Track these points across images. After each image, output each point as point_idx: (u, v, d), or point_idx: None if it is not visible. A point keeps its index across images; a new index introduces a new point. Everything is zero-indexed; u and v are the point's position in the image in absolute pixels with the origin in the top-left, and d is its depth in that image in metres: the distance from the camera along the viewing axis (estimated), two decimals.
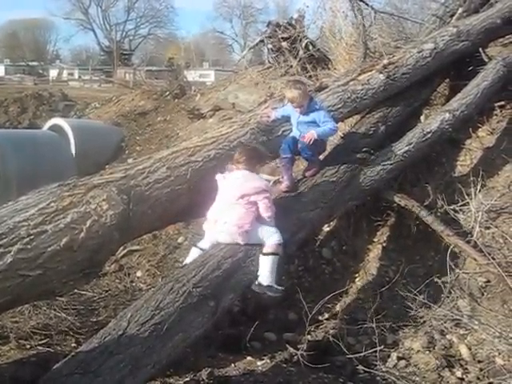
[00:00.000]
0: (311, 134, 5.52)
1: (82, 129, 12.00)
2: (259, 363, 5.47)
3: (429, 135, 6.96)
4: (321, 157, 6.18)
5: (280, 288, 4.85)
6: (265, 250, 4.77)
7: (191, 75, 25.05)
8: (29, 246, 3.94)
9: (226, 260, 4.75)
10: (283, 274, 6.95)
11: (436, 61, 7.63)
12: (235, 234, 4.73)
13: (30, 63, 60.85)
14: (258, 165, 5.06)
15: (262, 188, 4.79)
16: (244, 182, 4.78)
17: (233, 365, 5.36)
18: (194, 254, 4.93)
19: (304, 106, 5.61)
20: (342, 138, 6.81)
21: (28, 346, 5.00)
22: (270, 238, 4.78)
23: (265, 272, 4.74)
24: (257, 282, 4.77)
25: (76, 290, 5.95)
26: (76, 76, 55.16)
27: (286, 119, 5.90)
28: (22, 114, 16.63)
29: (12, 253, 3.84)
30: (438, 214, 6.89)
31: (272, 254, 4.75)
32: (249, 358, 5.54)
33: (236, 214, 4.70)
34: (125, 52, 69.35)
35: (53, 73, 56.61)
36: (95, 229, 4.30)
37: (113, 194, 4.53)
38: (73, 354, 4.02)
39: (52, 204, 4.24)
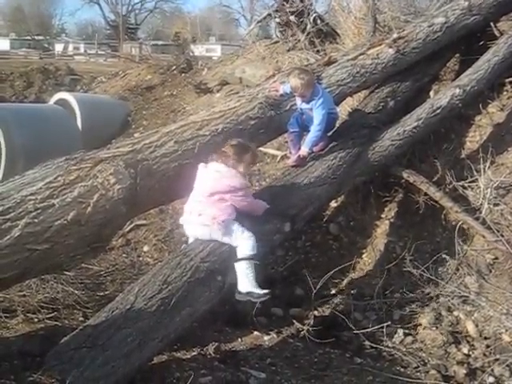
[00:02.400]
0: (303, 153, 5.66)
1: (88, 103, 11.94)
2: (266, 338, 5.48)
3: (438, 111, 6.86)
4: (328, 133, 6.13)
5: (263, 292, 4.64)
6: (239, 255, 4.57)
7: (197, 50, 24.88)
8: (36, 220, 3.94)
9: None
10: (283, 255, 7.00)
11: (446, 35, 7.50)
12: (212, 226, 4.53)
13: (36, 37, 60.45)
14: (245, 163, 4.76)
15: (235, 187, 4.58)
16: (219, 178, 4.60)
17: (239, 339, 5.38)
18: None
19: (306, 96, 5.61)
20: (350, 113, 6.75)
21: (35, 320, 5.00)
22: (244, 243, 4.57)
23: (242, 278, 4.57)
24: (237, 292, 4.60)
25: (83, 265, 5.94)
26: (82, 50, 54.75)
27: (294, 95, 5.84)
28: (28, 88, 16.56)
29: (19, 227, 3.85)
30: (447, 190, 6.83)
31: (245, 258, 4.56)
32: (255, 332, 5.55)
33: (211, 207, 4.55)
34: (131, 26, 68.90)
35: (58, 47, 56.32)
36: (102, 203, 4.29)
37: (120, 168, 4.50)
38: (80, 327, 4.04)
39: (59, 178, 4.22)
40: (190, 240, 4.84)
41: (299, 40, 11.51)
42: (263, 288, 4.66)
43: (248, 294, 4.57)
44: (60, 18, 79.99)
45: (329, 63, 6.68)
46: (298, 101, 5.73)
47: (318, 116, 5.60)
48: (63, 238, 4.09)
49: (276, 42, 12.34)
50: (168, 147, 4.98)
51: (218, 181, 4.58)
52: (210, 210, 4.53)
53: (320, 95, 5.59)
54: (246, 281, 4.55)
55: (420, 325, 5.79)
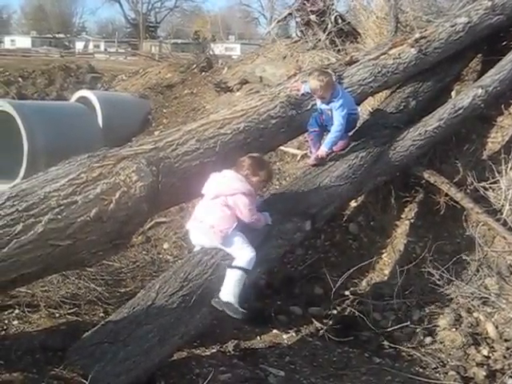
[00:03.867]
0: (320, 152, 5.66)
1: (109, 101, 12.02)
2: (285, 336, 5.50)
3: (460, 111, 6.82)
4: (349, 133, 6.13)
5: (241, 310, 4.39)
6: (234, 263, 4.40)
7: (217, 48, 24.88)
8: (59, 217, 3.97)
9: (251, 233, 4.75)
10: (303, 254, 6.99)
11: (469, 35, 7.44)
12: (210, 235, 4.42)
13: (57, 36, 60.88)
14: (259, 178, 4.63)
15: (240, 190, 4.46)
16: (225, 181, 4.53)
17: (259, 337, 5.41)
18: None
19: (326, 98, 5.59)
20: (371, 112, 6.73)
21: (57, 315, 5.06)
22: (242, 251, 4.43)
23: (227, 287, 4.35)
24: (216, 298, 4.36)
25: (104, 261, 5.98)
26: (102, 48, 55.05)
27: None
28: (50, 85, 16.66)
29: (42, 223, 3.89)
30: (468, 191, 6.79)
31: (240, 268, 4.38)
32: (275, 331, 5.58)
33: (212, 213, 4.44)
34: (151, 25, 69.09)
35: (79, 45, 56.63)
36: (124, 200, 4.31)
37: (142, 165, 4.52)
38: (102, 323, 4.09)
39: (82, 175, 4.26)
40: (196, 248, 4.73)
41: (320, 39, 11.47)
42: (242, 306, 4.44)
43: (227, 304, 4.33)
44: (81, 17, 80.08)
45: (350, 63, 6.67)
46: (318, 101, 5.73)
47: (337, 118, 5.59)
48: (85, 235, 4.12)
49: (297, 42, 12.30)
50: (190, 145, 5.00)
51: (224, 183, 4.52)
52: (210, 216, 4.43)
53: (340, 96, 5.58)
54: (230, 291, 4.33)
55: (439, 326, 5.77)
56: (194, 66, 14.35)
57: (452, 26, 7.28)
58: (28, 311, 5.01)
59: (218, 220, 4.40)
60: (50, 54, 35.08)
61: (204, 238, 4.54)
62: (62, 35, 62.31)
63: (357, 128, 6.23)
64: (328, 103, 5.61)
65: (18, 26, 77.29)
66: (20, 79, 16.70)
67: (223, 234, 4.40)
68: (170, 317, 4.10)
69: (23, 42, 54.76)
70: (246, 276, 4.40)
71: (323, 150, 5.67)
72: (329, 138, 5.66)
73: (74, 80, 17.08)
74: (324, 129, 5.83)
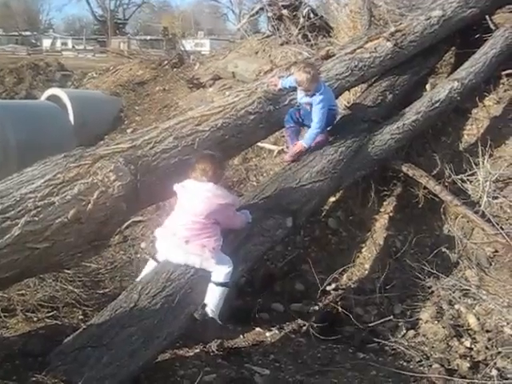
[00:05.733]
0: (300, 146, 5.64)
1: (80, 99, 11.83)
2: (268, 334, 5.45)
3: (437, 104, 6.87)
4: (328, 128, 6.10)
5: (220, 323, 4.48)
6: (216, 279, 4.36)
7: (188, 45, 24.77)
8: (36, 219, 3.87)
9: (233, 231, 4.70)
10: (282, 251, 6.95)
11: (444, 28, 7.51)
12: (203, 255, 4.28)
13: (23, 33, 59.94)
14: (220, 171, 4.54)
15: (227, 202, 4.35)
16: (213, 198, 4.31)
17: (242, 336, 5.34)
18: (149, 267, 4.58)
19: (310, 91, 5.54)
20: (349, 107, 6.71)
21: (35, 319, 4.92)
22: (220, 266, 4.37)
23: (213, 303, 4.35)
24: (200, 312, 4.33)
25: (81, 263, 5.87)
26: (70, 46, 54.41)
27: (293, 89, 5.80)
28: (19, 84, 16.33)
29: (19, 225, 3.78)
30: (446, 183, 6.83)
31: (220, 284, 4.36)
32: (257, 329, 5.51)
33: (199, 234, 4.28)
34: (119, 21, 68.36)
35: (46, 43, 55.95)
36: (103, 200, 4.22)
37: (120, 164, 4.43)
38: (84, 327, 3.98)
39: (58, 175, 4.15)
40: (159, 257, 4.53)
41: (292, 34, 11.46)
42: (221, 320, 4.51)
43: (211, 319, 4.37)
44: (47, 14, 79.54)
45: (326, 57, 6.65)
46: (300, 94, 5.67)
47: (317, 113, 5.55)
48: (64, 236, 4.02)
49: (268, 36, 12.27)
50: (167, 143, 4.91)
51: (212, 200, 4.30)
52: (198, 237, 4.27)
53: (322, 91, 5.54)
54: (215, 307, 4.35)
55: (421, 319, 5.77)
56: (166, 62, 14.24)
57: (427, 20, 7.34)
58: (5, 316, 4.88)
59: (207, 239, 4.28)
60: (16, 52, 34.58)
61: (194, 259, 4.34)
62: (28, 33, 61.37)
63: (335, 123, 6.19)
64: (311, 96, 5.55)
65: None
66: None
67: (216, 251, 4.32)
68: (154, 318, 4.01)
69: None
70: (227, 291, 4.40)
71: (302, 145, 5.63)
72: (309, 133, 5.63)
73: (43, 78, 16.76)
74: (301, 124, 5.79)
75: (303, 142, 5.64)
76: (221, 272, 4.35)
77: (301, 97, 5.68)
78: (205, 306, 4.35)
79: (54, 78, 16.96)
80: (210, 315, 4.32)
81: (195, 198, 4.32)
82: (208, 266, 4.37)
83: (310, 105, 5.59)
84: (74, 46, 52.63)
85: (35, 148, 8.37)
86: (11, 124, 9.13)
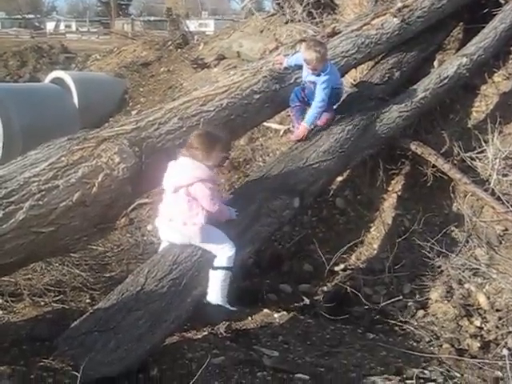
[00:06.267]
0: (303, 128, 5.53)
1: (84, 81, 11.74)
2: (276, 315, 5.39)
3: (445, 81, 6.75)
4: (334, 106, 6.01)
5: (231, 308, 4.33)
6: (215, 264, 4.23)
7: (192, 25, 24.59)
8: (40, 203, 3.84)
9: (241, 212, 4.64)
10: (290, 231, 6.89)
11: (451, 3, 7.37)
12: (186, 232, 4.18)
13: (26, 16, 59.65)
14: (216, 152, 4.22)
15: (198, 178, 4.10)
16: (182, 171, 4.15)
17: (250, 318, 5.28)
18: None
19: (318, 70, 5.43)
20: (355, 85, 6.62)
21: (42, 303, 4.92)
22: (222, 249, 4.25)
23: (214, 289, 4.22)
24: (205, 301, 4.24)
25: (88, 246, 5.85)
26: (73, 28, 54.21)
27: (299, 67, 5.70)
28: (22, 67, 16.27)
29: (24, 209, 3.75)
30: (455, 161, 6.74)
31: (223, 268, 4.23)
32: (265, 310, 5.46)
33: (179, 209, 4.15)
34: (122, 2, 67.89)
35: (50, 25, 55.71)
36: (107, 183, 4.19)
37: (124, 146, 4.39)
38: (91, 311, 3.95)
39: (62, 158, 4.12)
40: (163, 244, 4.49)
41: (297, 12, 11.30)
42: (232, 305, 4.35)
43: (217, 307, 4.24)
44: None
45: (332, 34, 6.54)
46: (305, 72, 5.57)
47: (319, 93, 5.45)
48: (68, 220, 3.99)
49: (273, 15, 12.10)
50: (172, 124, 4.85)
51: (180, 173, 4.16)
52: (178, 213, 4.15)
53: (327, 71, 5.43)
54: (218, 292, 4.23)
55: (431, 298, 5.73)
56: (170, 43, 14.10)
57: None
58: (12, 301, 4.88)
59: (187, 215, 4.13)
60: (20, 36, 34.45)
61: (176, 236, 4.27)
62: (31, 16, 61.08)
63: (342, 101, 6.11)
64: (316, 75, 5.46)
65: None
66: None
67: (199, 226, 4.13)
68: (161, 302, 3.96)
69: None
70: (230, 274, 4.25)
71: (304, 125, 5.54)
72: (310, 113, 5.53)
73: (46, 61, 16.70)
74: (306, 103, 5.70)
75: (305, 122, 5.54)
76: (222, 256, 4.23)
77: (306, 75, 5.58)
78: (207, 293, 4.23)
79: (57, 60, 16.89)
80: (214, 302, 4.20)
81: (170, 174, 4.23)
82: (195, 243, 4.25)
83: (314, 83, 5.49)
84: (77, 29, 52.40)
85: (39, 131, 8.32)
86: (15, 108, 9.08)
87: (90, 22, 54.56)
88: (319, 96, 5.46)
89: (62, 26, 56.84)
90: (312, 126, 5.61)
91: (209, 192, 4.13)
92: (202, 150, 4.15)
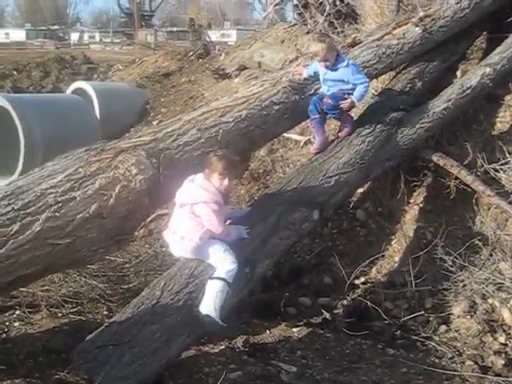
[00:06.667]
0: (351, 102, 5.36)
1: (105, 92, 11.84)
2: (295, 330, 5.34)
3: (468, 91, 6.66)
4: (353, 114, 5.93)
5: (221, 324, 4.08)
6: (214, 275, 4.12)
7: (213, 35, 24.70)
8: (57, 214, 3.82)
9: (259, 224, 4.59)
10: (310, 243, 6.82)
11: (475, 12, 7.26)
12: (182, 245, 4.17)
13: (51, 27, 60.42)
14: (230, 180, 4.21)
15: (201, 200, 4.07)
16: (190, 189, 4.15)
17: (268, 331, 5.24)
18: None
19: (330, 61, 5.32)
20: (376, 95, 6.53)
21: (59, 315, 4.91)
22: (223, 263, 4.13)
23: (208, 298, 4.06)
24: (196, 309, 4.09)
25: (106, 257, 5.83)
26: (97, 39, 54.70)
27: (318, 77, 5.63)
28: (45, 78, 16.48)
29: (40, 221, 3.74)
30: (478, 173, 6.63)
31: (220, 279, 4.09)
32: (284, 324, 5.42)
33: (181, 223, 4.16)
34: (145, 13, 68.49)
35: (74, 36, 56.27)
36: (125, 194, 4.15)
37: (142, 157, 4.35)
38: (106, 324, 3.93)
39: (80, 170, 4.10)
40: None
41: (318, 22, 11.27)
42: (224, 321, 4.13)
43: (206, 317, 4.04)
44: (75, 8, 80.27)
45: (353, 44, 6.48)
46: (322, 70, 5.45)
47: (355, 72, 5.36)
48: (85, 232, 3.96)
49: (294, 25, 12.09)
50: (190, 135, 4.81)
51: (189, 191, 4.15)
52: (181, 228, 4.15)
53: (347, 64, 5.34)
54: (210, 303, 4.04)
55: (454, 313, 5.62)
56: (191, 53, 14.16)
57: (457, 3, 7.11)
58: (29, 312, 4.88)
59: (186, 230, 4.12)
60: (45, 46, 34.92)
61: (176, 248, 4.27)
62: (56, 27, 61.84)
63: (363, 112, 6.04)
64: (335, 70, 5.35)
65: (12, 19, 76.89)
66: (15, 72, 16.55)
67: (193, 244, 4.10)
68: (177, 315, 3.93)
69: (18, 34, 54.27)
70: (228, 288, 4.12)
71: (353, 100, 5.36)
72: (358, 92, 5.35)
73: (69, 71, 16.92)
74: (325, 114, 5.61)
75: (354, 97, 5.36)
76: (222, 269, 4.12)
77: (324, 73, 5.44)
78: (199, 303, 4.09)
79: (79, 71, 17.08)
80: (203, 312, 4.02)
81: (185, 189, 4.20)
82: (190, 256, 4.23)
83: (334, 81, 5.38)
84: (101, 39, 52.90)
85: (60, 142, 8.34)
86: (37, 119, 9.15)
87: (113, 33, 55.05)
88: (359, 76, 5.37)
89: (85, 37, 57.39)
90: (358, 102, 5.48)
91: (212, 213, 4.08)
92: (217, 174, 4.12)
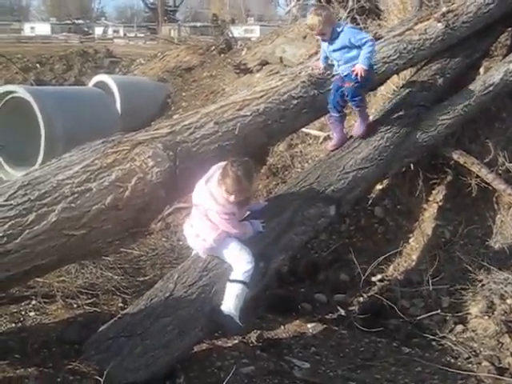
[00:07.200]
0: (360, 68, 5.07)
1: (127, 85, 11.88)
2: (309, 326, 5.31)
3: (491, 88, 6.57)
4: (373, 111, 5.86)
5: (240, 325, 4.14)
6: (232, 277, 4.12)
7: (236, 31, 24.67)
8: (73, 205, 3.83)
9: (274, 219, 4.56)
10: (327, 240, 6.79)
11: (500, 7, 7.15)
12: (196, 242, 4.21)
13: (76, 21, 60.86)
14: (244, 196, 4.09)
15: (211, 209, 4.02)
16: (203, 192, 4.07)
17: (282, 327, 5.22)
18: None
19: (327, 34, 5.17)
20: (397, 91, 6.46)
21: (75, 306, 4.91)
22: (239, 263, 4.12)
23: (228, 299, 4.08)
24: (217, 307, 4.10)
25: (122, 249, 5.86)
26: (121, 33, 54.98)
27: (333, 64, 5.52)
28: (68, 71, 16.64)
29: (56, 212, 3.75)
30: (499, 171, 6.54)
31: (238, 281, 4.10)
32: (299, 320, 5.39)
33: (199, 221, 4.14)
34: (169, 8, 68.68)
35: (98, 31, 56.60)
36: (141, 187, 4.14)
37: (158, 150, 4.34)
38: (118, 316, 3.93)
39: (96, 161, 4.10)
40: (194, 251, 4.43)
41: (341, 18, 11.18)
42: (242, 322, 4.17)
43: (227, 317, 4.07)
44: (99, 2, 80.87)
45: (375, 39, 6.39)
46: (324, 46, 5.34)
47: (360, 34, 5.19)
48: (101, 223, 3.97)
49: None
50: (208, 128, 4.79)
51: (201, 194, 4.09)
52: (198, 225, 4.14)
53: (341, 29, 5.15)
54: (231, 304, 4.07)
55: (471, 313, 5.55)
56: (213, 48, 14.15)
57: None
58: (45, 302, 4.89)
59: (201, 229, 4.12)
60: (69, 41, 35.16)
61: (191, 242, 4.29)
62: (81, 21, 62.29)
63: (382, 108, 5.98)
64: (333, 40, 5.18)
65: (38, 13, 77.78)
66: (38, 65, 16.69)
67: (207, 245, 4.11)
68: (190, 308, 3.92)
69: (43, 28, 54.80)
70: (247, 289, 4.12)
71: (362, 67, 5.08)
72: (363, 55, 5.11)
73: (92, 65, 17.05)
74: (344, 113, 5.52)
75: (361, 63, 5.10)
76: (238, 269, 4.11)
77: (328, 48, 5.29)
78: (221, 304, 4.11)
79: (102, 64, 17.18)
80: (225, 312, 4.06)
81: (199, 190, 4.14)
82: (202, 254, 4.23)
83: (340, 51, 5.20)
84: (125, 34, 53.17)
85: (81, 135, 8.37)
86: (57, 111, 9.22)
87: (137, 28, 55.32)
88: (361, 36, 5.15)
89: (110, 32, 57.71)
90: (367, 67, 5.15)
91: (223, 221, 4.05)
92: (225, 188, 3.99)
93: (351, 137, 5.64)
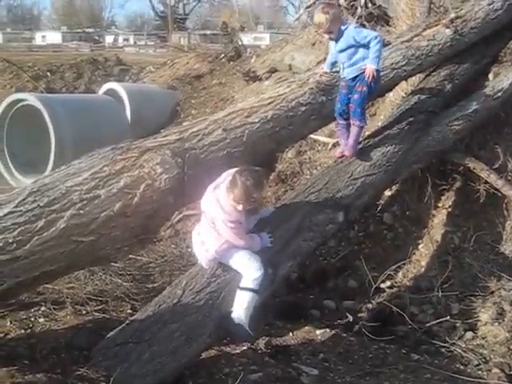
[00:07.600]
0: (370, 70, 5.03)
1: (137, 93, 11.92)
2: (318, 332, 5.30)
3: (499, 93, 6.56)
4: (382, 117, 5.85)
5: (250, 333, 4.12)
6: (242, 284, 4.10)
7: (246, 38, 24.76)
8: (81, 212, 3.86)
9: (282, 225, 4.56)
10: (336, 246, 6.78)
11: (508, 13, 7.14)
12: (200, 250, 4.20)
13: (86, 30, 61.28)
14: (251, 204, 4.03)
15: (218, 218, 3.99)
16: (210, 200, 4.05)
17: (291, 333, 5.22)
18: None
19: (334, 33, 5.12)
20: (405, 97, 6.45)
21: (84, 312, 4.94)
22: (248, 271, 4.10)
23: (238, 307, 4.07)
24: (228, 315, 4.08)
25: (131, 256, 5.87)
26: (131, 42, 55.24)
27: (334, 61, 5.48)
28: (78, 79, 16.71)
29: (65, 218, 3.78)
30: (508, 177, 6.51)
31: (248, 290, 4.08)
32: (307, 326, 5.38)
33: (205, 229, 4.14)
34: (179, 17, 69.05)
35: (109, 39, 56.99)
36: (149, 193, 4.17)
37: (167, 157, 4.36)
38: (127, 322, 3.94)
39: (105, 168, 4.13)
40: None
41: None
42: (252, 330, 4.15)
43: (238, 326, 4.05)
44: (110, 11, 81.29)
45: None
46: (332, 47, 5.31)
47: (366, 33, 5.15)
48: (109, 230, 4.00)
49: None
50: (216, 135, 4.81)
51: (208, 202, 4.07)
52: (203, 232, 4.16)
53: (345, 28, 5.09)
54: (241, 312, 4.06)
55: (481, 320, 5.52)
56: (222, 55, 14.19)
57: (489, 4, 7.01)
58: (54, 308, 4.91)
59: (207, 238, 4.12)
60: (80, 49, 35.38)
61: (197, 250, 4.27)
62: (91, 30, 62.70)
63: (391, 114, 5.97)
64: (340, 36, 5.12)
65: (49, 22, 78.33)
66: (48, 73, 16.80)
67: (209, 256, 4.11)
68: (198, 315, 3.93)
69: (54, 37, 55.17)
70: (256, 297, 4.11)
71: (372, 68, 5.04)
72: (372, 54, 5.06)
73: (102, 73, 17.11)
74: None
75: (370, 63, 5.05)
76: (248, 277, 4.10)
77: (335, 48, 5.24)
78: (231, 311, 4.09)
79: (112, 72, 17.25)
80: (236, 321, 4.04)
81: (206, 198, 4.11)
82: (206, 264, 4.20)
83: (346, 51, 5.16)
84: (135, 42, 53.40)
85: (91, 142, 8.40)
86: (67, 119, 9.28)
87: (147, 36, 55.58)
88: (366, 34, 5.11)
89: (120, 40, 58.06)
90: (377, 66, 5.13)
91: (229, 231, 4.02)
92: (232, 197, 3.95)
93: (359, 143, 5.58)
